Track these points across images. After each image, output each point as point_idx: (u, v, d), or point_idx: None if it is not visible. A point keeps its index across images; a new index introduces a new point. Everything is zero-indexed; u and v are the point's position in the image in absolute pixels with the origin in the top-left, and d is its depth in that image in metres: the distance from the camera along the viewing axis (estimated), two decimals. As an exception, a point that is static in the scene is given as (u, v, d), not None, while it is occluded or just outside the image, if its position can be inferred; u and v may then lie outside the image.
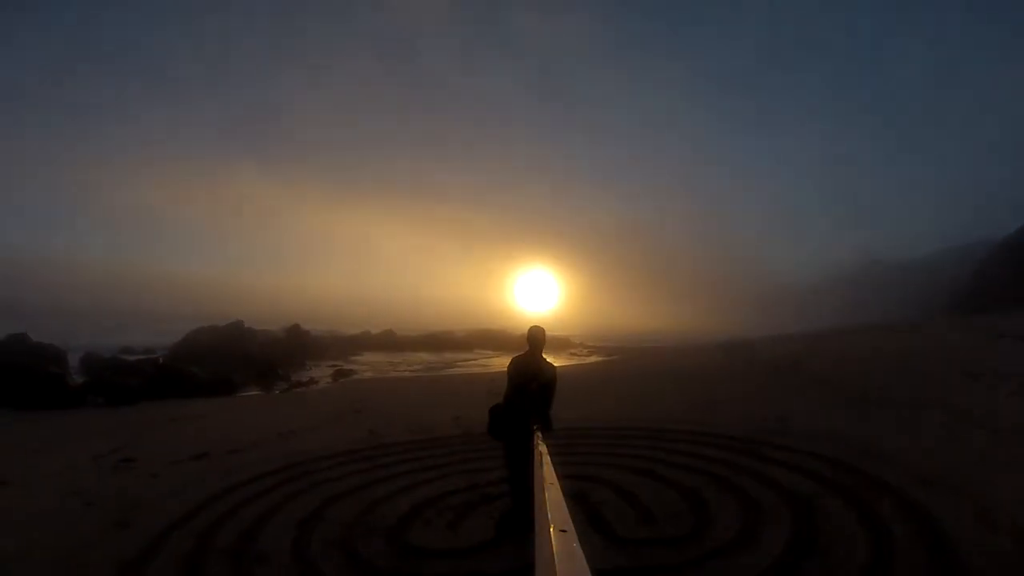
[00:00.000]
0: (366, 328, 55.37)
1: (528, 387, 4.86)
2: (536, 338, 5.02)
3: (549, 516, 1.87)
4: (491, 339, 57.29)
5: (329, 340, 40.81)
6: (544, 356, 5.05)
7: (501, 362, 32.84)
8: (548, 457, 3.32)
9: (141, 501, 5.85)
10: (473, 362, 35.03)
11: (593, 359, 35.59)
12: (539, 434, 4.33)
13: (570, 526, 1.74)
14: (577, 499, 5.24)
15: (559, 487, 2.37)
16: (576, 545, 1.56)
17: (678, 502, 5.20)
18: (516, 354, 5.19)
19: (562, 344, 56.82)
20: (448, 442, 8.21)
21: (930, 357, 14.84)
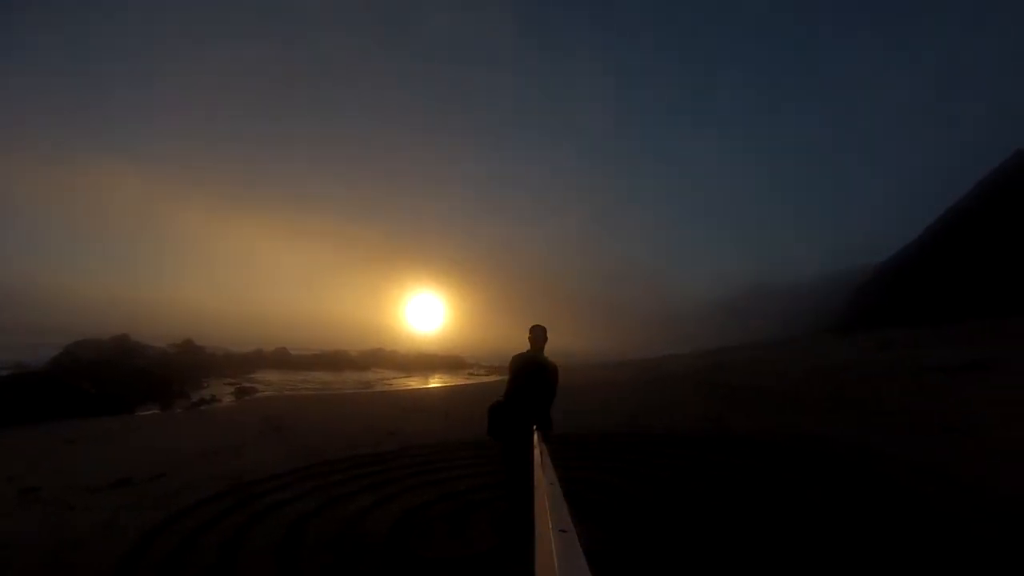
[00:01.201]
0: (258, 346, 50.50)
1: (529, 387, 4.70)
2: (538, 336, 4.81)
3: (549, 516, 1.76)
4: (386, 359, 55.06)
5: (222, 358, 36.58)
6: (546, 355, 4.84)
7: (404, 383, 32.21)
8: (548, 457, 3.13)
9: (72, 540, 4.61)
10: (383, 382, 33.46)
11: (493, 378, 35.44)
12: (538, 434, 4.08)
13: (570, 526, 1.65)
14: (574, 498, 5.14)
15: (559, 487, 2.22)
16: (577, 545, 1.48)
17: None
18: (517, 352, 4.93)
19: (455, 364, 55.96)
20: (394, 456, 7.63)
21: (833, 365, 16.77)
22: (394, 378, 36.64)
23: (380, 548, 4.32)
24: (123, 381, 17.96)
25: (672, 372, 20.27)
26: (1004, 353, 15.84)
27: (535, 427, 4.30)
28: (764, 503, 4.97)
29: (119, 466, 7.39)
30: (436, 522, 4.88)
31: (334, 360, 49.79)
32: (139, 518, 5.08)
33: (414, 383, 31.01)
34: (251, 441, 9.32)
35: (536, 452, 3.36)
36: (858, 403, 10.60)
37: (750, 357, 23.84)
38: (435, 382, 32.04)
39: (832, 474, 5.75)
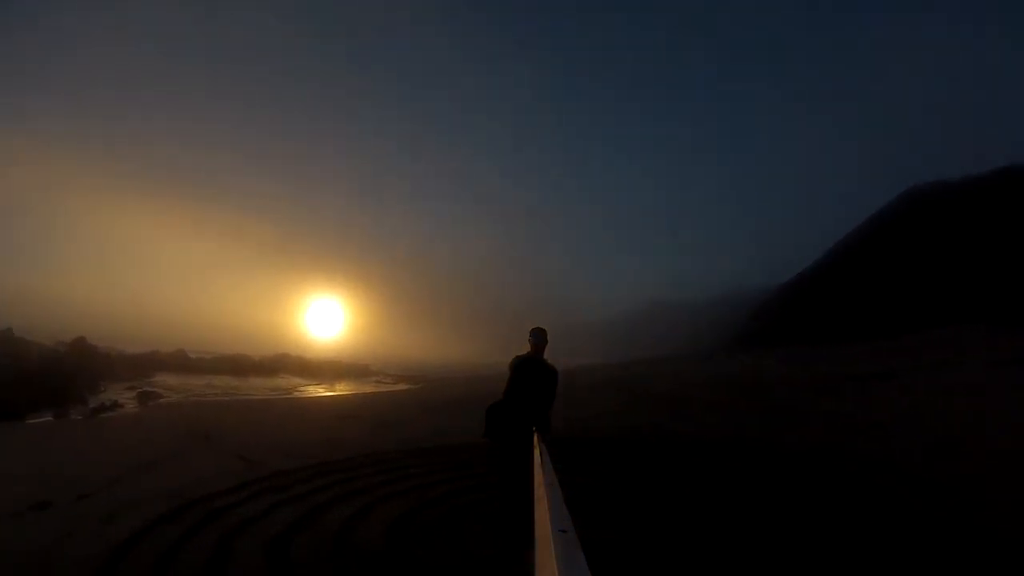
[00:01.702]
0: (154, 347, 45.29)
1: (529, 389, 4.67)
2: (539, 339, 4.78)
3: (549, 517, 1.75)
4: (292, 365, 51.86)
5: (116, 359, 32.28)
6: (545, 358, 4.83)
7: (316, 390, 30.59)
8: (548, 458, 3.11)
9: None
10: (297, 388, 31.35)
11: (403, 386, 34.52)
12: (537, 436, 4.10)
13: (570, 527, 1.64)
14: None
15: (558, 488, 2.23)
16: (577, 546, 1.48)
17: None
18: (518, 354, 4.88)
19: (361, 372, 54.00)
20: (355, 465, 7.16)
21: (754, 376, 18.06)
22: (304, 385, 34.75)
23: (382, 557, 4.03)
24: (7, 383, 15.23)
25: (598, 381, 20.94)
26: (904, 365, 18.22)
27: (534, 429, 4.29)
28: (745, 498, 5.26)
29: (30, 486, 6.22)
30: (431, 530, 4.68)
31: (237, 364, 45.98)
32: (82, 548, 4.31)
33: (326, 390, 29.58)
34: (181, 452, 8.30)
35: (536, 453, 3.35)
36: (787, 409, 11.67)
37: (673, 369, 25.34)
38: (346, 389, 30.84)
39: (789, 469, 6.30)
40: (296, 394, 25.57)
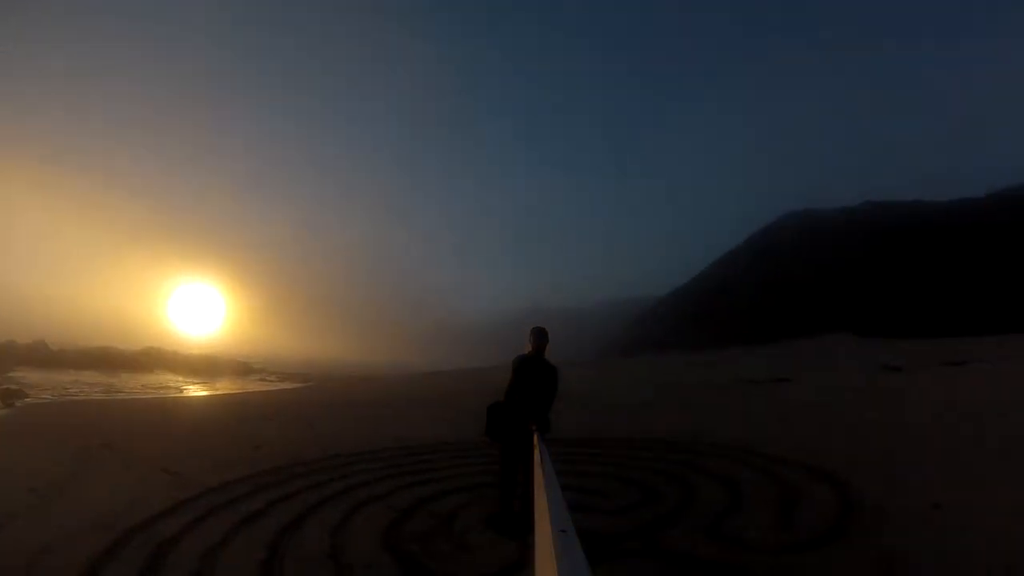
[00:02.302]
0: (9, 336, 38.82)
1: (530, 388, 4.71)
2: (540, 338, 4.81)
3: (549, 517, 1.79)
4: (165, 360, 47.44)
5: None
6: (547, 358, 4.87)
7: (201, 388, 28.20)
8: (548, 458, 3.14)
9: None
10: (180, 386, 28.41)
11: (290, 385, 32.75)
12: (537, 435, 4.09)
13: (570, 527, 1.67)
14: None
15: (558, 488, 2.28)
16: (577, 546, 1.50)
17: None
18: (519, 354, 4.92)
19: (241, 369, 50.92)
20: (296, 473, 6.62)
21: (666, 379, 19.06)
22: (184, 382, 32.04)
23: (395, 568, 3.81)
24: None
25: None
26: (796, 369, 20.51)
27: (534, 428, 4.29)
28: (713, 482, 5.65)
29: None
30: (431, 538, 4.47)
31: (104, 358, 41.12)
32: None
33: (211, 388, 27.40)
34: (86, 468, 7.13)
35: (536, 453, 3.37)
36: (707, 407, 12.62)
37: (578, 374, 26.30)
38: (231, 387, 28.87)
39: (731, 459, 6.92)
40: (188, 392, 23.26)
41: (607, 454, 7.55)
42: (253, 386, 31.04)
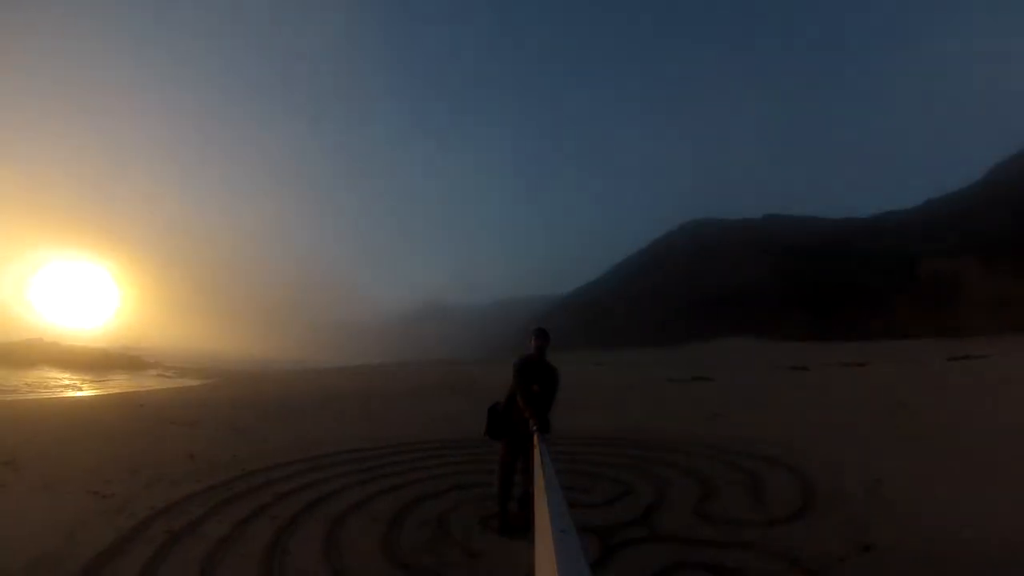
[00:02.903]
0: None
1: (531, 388, 4.73)
2: (542, 339, 4.92)
3: (549, 517, 1.81)
4: (48, 354, 42.19)
5: None
6: (548, 359, 4.95)
7: (105, 386, 25.50)
8: (548, 458, 3.19)
9: None
10: (78, 384, 25.14)
11: (190, 382, 30.24)
12: (537, 435, 4.14)
13: (571, 527, 1.71)
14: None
15: (559, 488, 2.31)
16: (577, 546, 1.53)
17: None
18: (521, 355, 5.00)
19: (134, 364, 46.50)
20: (252, 485, 6.04)
21: (590, 379, 19.58)
22: (74, 379, 28.65)
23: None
24: None
25: (430, 383, 21.15)
26: (713, 368, 21.91)
27: (534, 429, 4.37)
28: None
29: None
30: (436, 547, 4.38)
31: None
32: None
33: (105, 387, 24.70)
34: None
35: (536, 453, 3.45)
36: (639, 404, 13.44)
37: (490, 371, 26.67)
38: (128, 384, 26.34)
39: (675, 450, 7.54)
40: (86, 392, 20.84)
41: (565, 451, 7.67)
42: (151, 383, 28.38)
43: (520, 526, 4.52)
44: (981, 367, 16.69)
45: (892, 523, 4.46)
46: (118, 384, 27.00)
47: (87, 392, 21.13)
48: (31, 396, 18.45)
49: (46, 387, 22.82)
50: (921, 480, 5.64)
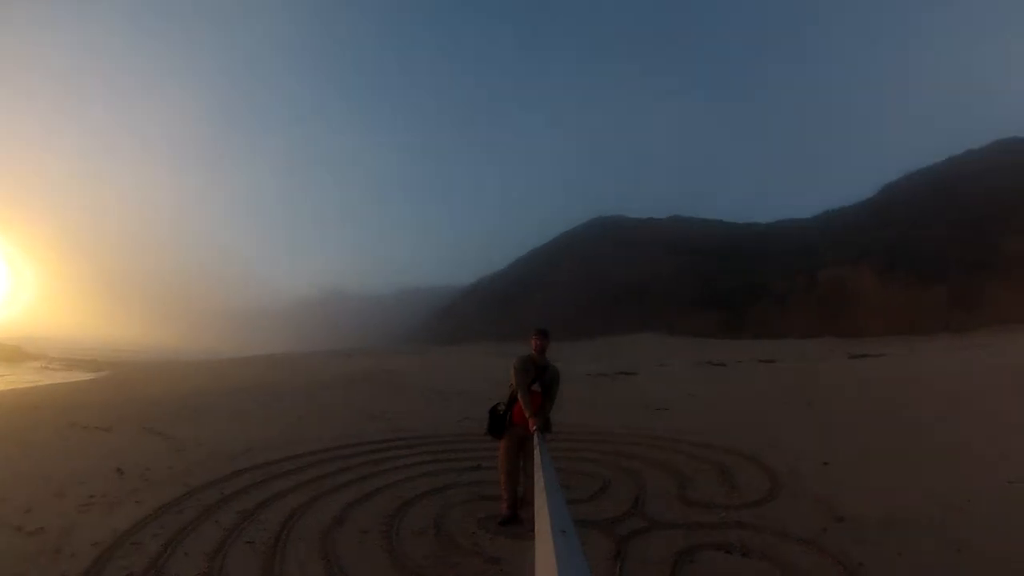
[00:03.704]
0: None
1: (531, 388, 4.91)
2: (542, 339, 5.10)
3: (549, 518, 1.85)
4: None
5: None
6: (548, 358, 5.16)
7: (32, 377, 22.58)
8: (548, 458, 3.28)
9: None
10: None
11: (82, 375, 27.30)
12: (537, 435, 4.28)
13: (571, 528, 1.75)
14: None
15: (559, 489, 2.36)
16: (577, 547, 1.57)
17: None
18: (521, 354, 5.13)
19: (14, 355, 41.32)
20: (205, 504, 5.42)
21: (499, 370, 19.70)
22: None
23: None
24: None
25: (351, 376, 20.56)
26: (632, 364, 22.98)
27: (535, 429, 4.55)
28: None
29: None
30: (450, 555, 4.36)
31: None
32: None
33: None
34: None
35: (536, 453, 3.53)
36: (573, 399, 13.82)
37: (419, 363, 26.54)
38: (3, 380, 23.41)
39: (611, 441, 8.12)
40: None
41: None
42: (36, 377, 25.12)
43: (526, 516, 4.67)
44: (880, 364, 19.40)
45: (850, 497, 5.29)
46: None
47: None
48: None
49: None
50: (858, 460, 6.71)
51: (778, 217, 77.20)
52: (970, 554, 3.92)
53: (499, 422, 5.07)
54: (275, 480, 6.23)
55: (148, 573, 3.91)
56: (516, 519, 4.82)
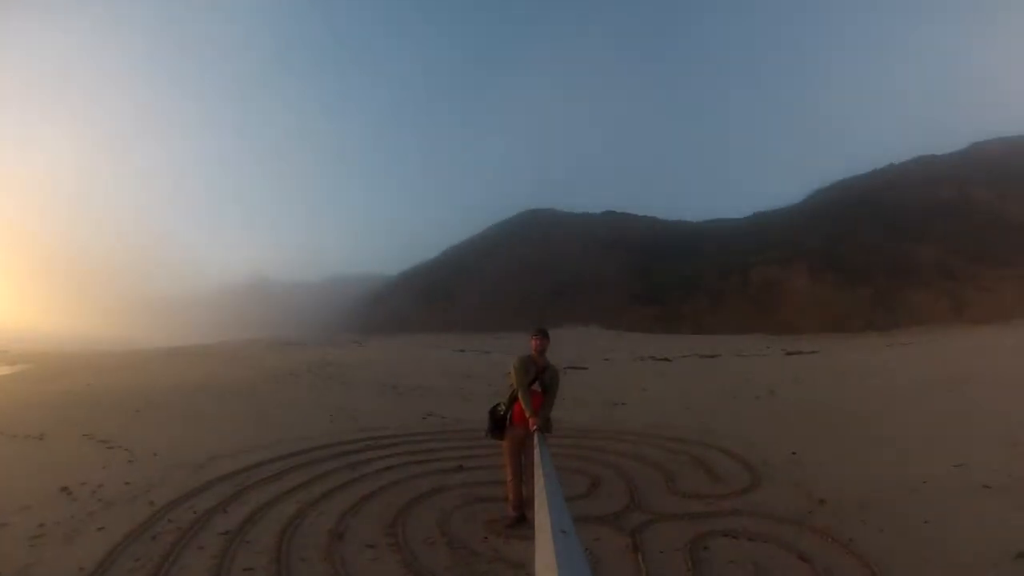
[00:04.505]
0: None
1: (531, 388, 5.10)
2: (542, 340, 5.27)
3: (549, 518, 1.89)
4: None
5: None
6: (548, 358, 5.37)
7: None
8: (548, 459, 3.36)
9: None
10: None
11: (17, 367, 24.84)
12: (537, 435, 4.42)
13: (571, 527, 1.78)
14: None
15: (559, 489, 2.41)
16: (577, 547, 1.61)
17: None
18: (521, 355, 5.30)
19: None
20: (179, 525, 5.02)
21: (463, 366, 19.77)
22: None
23: None
24: None
25: (294, 369, 19.83)
26: (582, 359, 23.58)
27: (535, 429, 4.67)
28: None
29: None
30: (472, 562, 4.43)
31: None
32: None
33: None
34: None
35: (536, 454, 3.64)
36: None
37: (391, 357, 26.07)
38: None
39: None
40: None
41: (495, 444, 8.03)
42: None
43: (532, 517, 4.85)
44: (817, 360, 21.25)
45: (824, 483, 6.05)
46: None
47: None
48: None
49: None
50: (821, 449, 7.58)
51: (706, 217, 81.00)
52: (937, 527, 4.70)
53: (500, 424, 5.22)
54: (251, 492, 5.92)
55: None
56: (523, 520, 4.93)
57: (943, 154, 57.00)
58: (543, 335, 5.32)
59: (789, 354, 24.17)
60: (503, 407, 5.26)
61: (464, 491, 6.02)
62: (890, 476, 6.09)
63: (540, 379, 5.19)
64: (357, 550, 4.50)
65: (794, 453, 7.21)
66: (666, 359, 25.74)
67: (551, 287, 60.41)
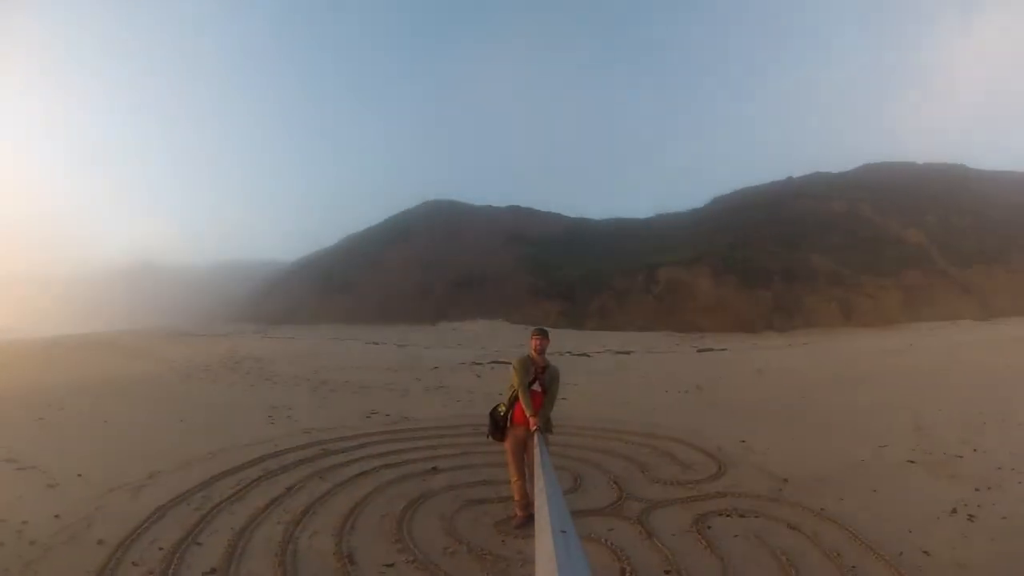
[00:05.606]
0: None
1: (531, 388, 5.40)
2: (542, 340, 5.54)
3: (549, 518, 1.95)
4: None
5: None
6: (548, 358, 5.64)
7: None
8: (547, 459, 3.46)
9: None
10: None
11: None
12: (537, 435, 4.63)
13: (571, 527, 1.83)
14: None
15: (559, 489, 2.54)
16: (577, 546, 1.66)
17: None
18: (521, 355, 5.64)
19: None
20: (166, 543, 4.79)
21: (406, 359, 19.56)
22: None
23: None
24: None
25: (208, 364, 18.77)
26: (501, 353, 24.09)
27: (535, 429, 4.92)
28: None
29: None
30: (499, 567, 4.69)
31: None
32: None
33: None
34: None
35: (536, 454, 3.80)
36: (462, 390, 14.68)
37: (308, 350, 25.05)
38: None
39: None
40: None
41: (458, 442, 8.34)
42: None
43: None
44: (727, 356, 23.52)
45: (779, 465, 7.25)
46: None
47: None
48: None
49: None
50: (764, 437, 8.86)
51: (607, 215, 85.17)
52: (885, 494, 6.04)
53: (499, 424, 5.45)
54: (217, 518, 5.36)
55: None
56: (533, 520, 5.13)
57: (836, 172, 66.13)
58: (543, 335, 5.59)
59: (700, 351, 26.48)
60: (504, 408, 5.47)
61: (454, 494, 6.16)
62: (832, 457, 7.48)
63: (540, 379, 5.45)
64: (377, 572, 4.30)
65: (743, 441, 8.43)
66: (585, 355, 26.99)
67: (454, 279, 60.36)
